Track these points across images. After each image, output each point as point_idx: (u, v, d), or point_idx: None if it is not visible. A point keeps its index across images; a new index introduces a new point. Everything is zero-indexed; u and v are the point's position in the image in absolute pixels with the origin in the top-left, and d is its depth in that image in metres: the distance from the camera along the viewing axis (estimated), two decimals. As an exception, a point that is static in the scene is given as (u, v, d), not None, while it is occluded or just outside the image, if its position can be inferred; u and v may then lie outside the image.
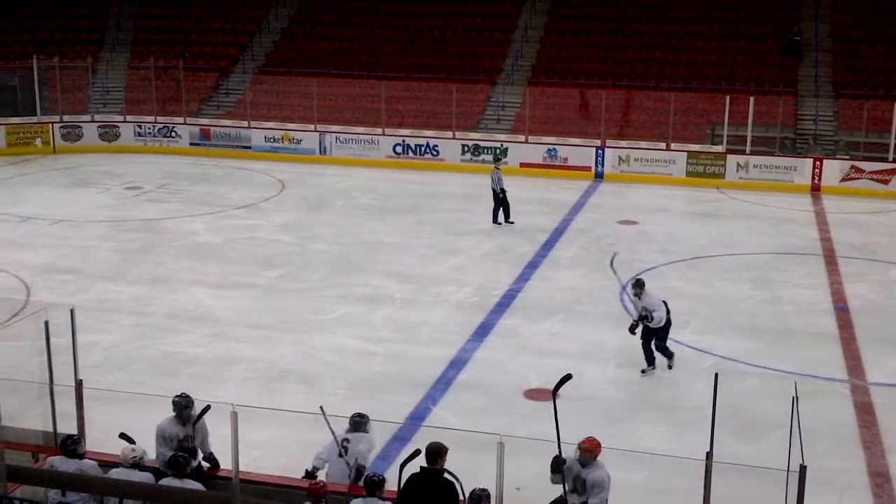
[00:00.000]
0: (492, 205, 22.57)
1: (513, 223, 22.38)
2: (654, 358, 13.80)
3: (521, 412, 12.53)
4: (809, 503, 6.73)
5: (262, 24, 36.37)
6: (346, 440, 9.13)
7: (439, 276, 18.32)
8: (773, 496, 7.28)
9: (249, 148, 30.74)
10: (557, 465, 8.37)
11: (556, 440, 8.25)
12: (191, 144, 31.26)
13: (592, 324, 15.86)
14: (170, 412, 9.18)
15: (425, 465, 8.04)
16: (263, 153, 30.40)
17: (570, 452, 8.43)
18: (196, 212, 23.31)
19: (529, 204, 24.58)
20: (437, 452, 8.04)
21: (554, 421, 8.04)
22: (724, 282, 18.16)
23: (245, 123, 31.13)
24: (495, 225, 22.37)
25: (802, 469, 6.55)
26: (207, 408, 8.98)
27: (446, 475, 8.17)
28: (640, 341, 13.82)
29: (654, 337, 13.77)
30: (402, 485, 7.95)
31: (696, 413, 10.96)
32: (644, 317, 13.64)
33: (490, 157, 28.61)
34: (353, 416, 9.36)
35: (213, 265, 18.89)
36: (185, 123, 31.53)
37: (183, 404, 9.11)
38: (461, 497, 8.03)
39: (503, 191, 22.36)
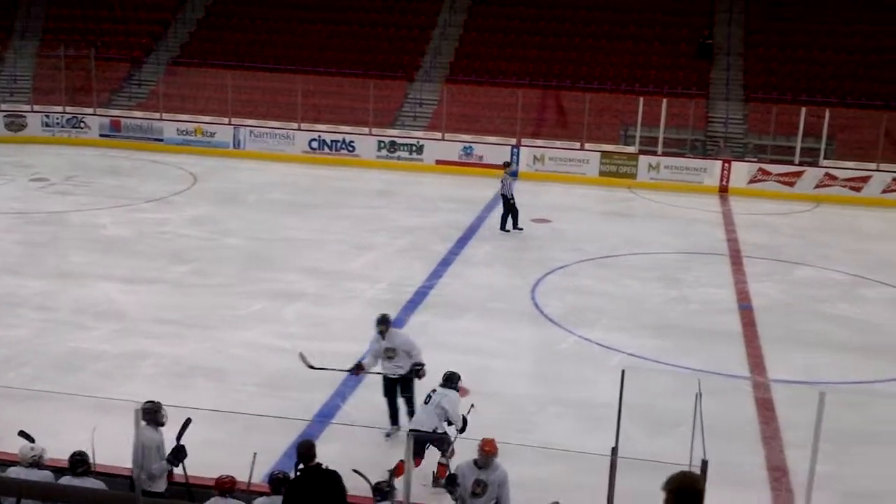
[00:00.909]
0: (500, 211, 21.89)
1: (521, 230, 21.77)
2: (397, 413, 11.71)
3: (432, 409, 12.53)
4: (710, 497, 6.84)
5: (178, 15, 35.82)
6: (434, 391, 10.66)
7: (353, 273, 18.24)
8: (674, 491, 7.39)
9: (161, 140, 30.22)
10: (451, 481, 8.43)
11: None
12: (100, 136, 30.59)
13: (505, 321, 15.96)
14: (72, 409, 8.95)
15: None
16: (176, 146, 29.92)
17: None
18: (105, 205, 22.82)
19: (444, 201, 24.68)
20: (310, 448, 8.04)
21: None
22: (633, 280, 18.45)
23: (157, 115, 30.59)
24: (503, 232, 21.66)
25: (704, 464, 6.68)
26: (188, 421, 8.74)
27: (353, 471, 8.20)
28: (383, 395, 11.82)
29: (401, 386, 11.69)
30: (286, 489, 7.91)
31: (603, 409, 11.10)
32: (390, 357, 11.66)
33: (406, 154, 28.76)
34: (445, 374, 10.96)
35: (122, 259, 18.52)
36: (95, 114, 30.85)
37: (153, 409, 8.83)
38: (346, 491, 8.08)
39: (513, 196, 21.75)
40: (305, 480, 7.81)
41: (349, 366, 11.78)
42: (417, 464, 9.92)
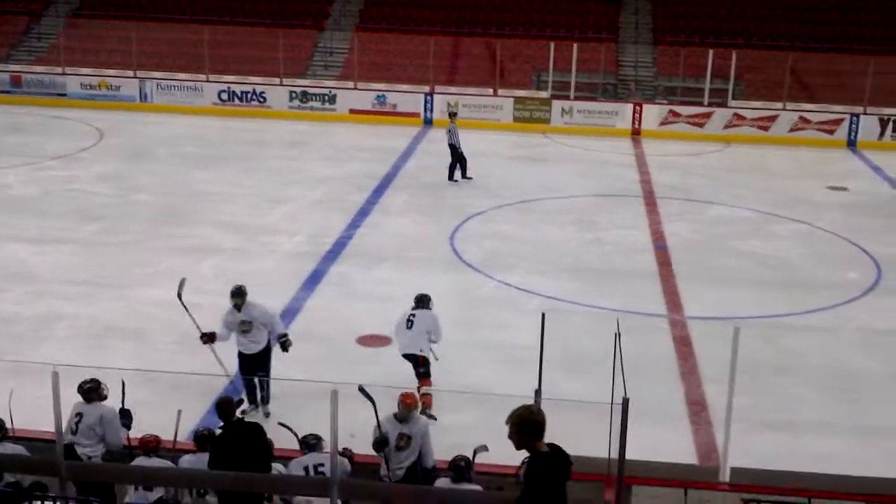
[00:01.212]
0: (448, 160, 21.63)
1: (471, 178, 21.55)
2: (255, 390, 11.08)
3: (355, 358, 12.55)
4: (633, 432, 7.01)
5: (75, -35, 34.58)
6: (413, 315, 11.33)
7: (269, 226, 18.03)
8: (598, 429, 7.53)
9: (65, 95, 29.32)
10: (381, 444, 8.40)
11: (376, 420, 8.34)
12: (0, 92, 29.52)
13: (423, 269, 15.96)
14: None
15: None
16: (80, 101, 29.05)
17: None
18: (9, 163, 22.07)
19: (359, 151, 24.47)
20: (230, 404, 8.04)
21: (371, 404, 8.12)
22: (549, 224, 18.60)
23: (59, 70, 29.63)
24: (451, 182, 21.46)
25: (625, 401, 6.80)
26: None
27: (279, 424, 8.19)
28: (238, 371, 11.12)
29: (259, 363, 11.02)
30: (212, 445, 7.88)
31: (524, 352, 11.19)
32: (245, 331, 11.00)
33: (319, 104, 28.42)
34: (416, 296, 11.63)
35: (29, 219, 18.00)
36: (-8, 70, 29.78)
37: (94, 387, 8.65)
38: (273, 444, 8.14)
39: (460, 145, 21.56)
40: (229, 435, 7.76)
41: (202, 331, 11.06)
42: (427, 383, 11.11)
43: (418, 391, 10.70)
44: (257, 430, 7.84)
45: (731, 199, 20.90)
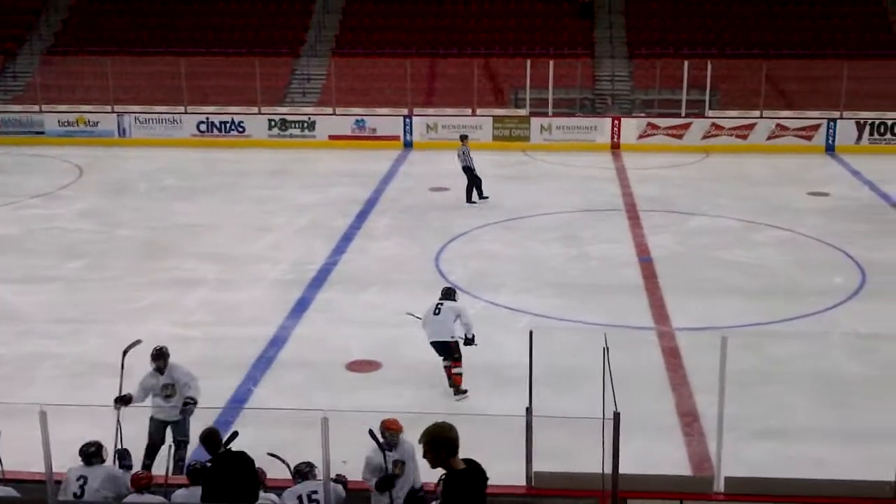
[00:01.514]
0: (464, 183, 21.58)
1: (487, 198, 21.53)
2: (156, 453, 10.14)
3: (344, 385, 12.53)
4: (626, 447, 7.01)
5: (48, 2, 34.53)
6: (441, 304, 12.26)
7: (254, 255, 18.01)
8: (591, 444, 7.53)
9: (42, 133, 29.20)
10: (387, 483, 8.31)
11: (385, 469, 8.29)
12: (-23, 132, 29.46)
13: (409, 291, 15.91)
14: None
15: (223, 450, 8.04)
16: (58, 138, 28.93)
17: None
18: (-11, 204, 22.02)
19: (340, 176, 24.49)
20: (215, 436, 8.06)
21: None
22: (534, 242, 18.65)
23: (36, 108, 29.54)
24: (469, 204, 21.27)
25: (616, 415, 6.80)
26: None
27: (269, 454, 8.18)
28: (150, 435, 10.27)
29: (175, 428, 10.22)
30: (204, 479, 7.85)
31: (513, 370, 11.22)
32: (169, 395, 10.21)
33: (298, 131, 28.52)
34: (443, 289, 12.87)
35: (12, 259, 17.92)
36: (-31, 110, 29.67)
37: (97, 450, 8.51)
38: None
39: (475, 167, 21.70)
40: (219, 466, 7.74)
41: (122, 393, 10.02)
42: (457, 365, 12.11)
43: (449, 372, 12.07)
44: (245, 458, 7.83)
45: (713, 208, 21.00)
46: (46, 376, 12.87)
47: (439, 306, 12.27)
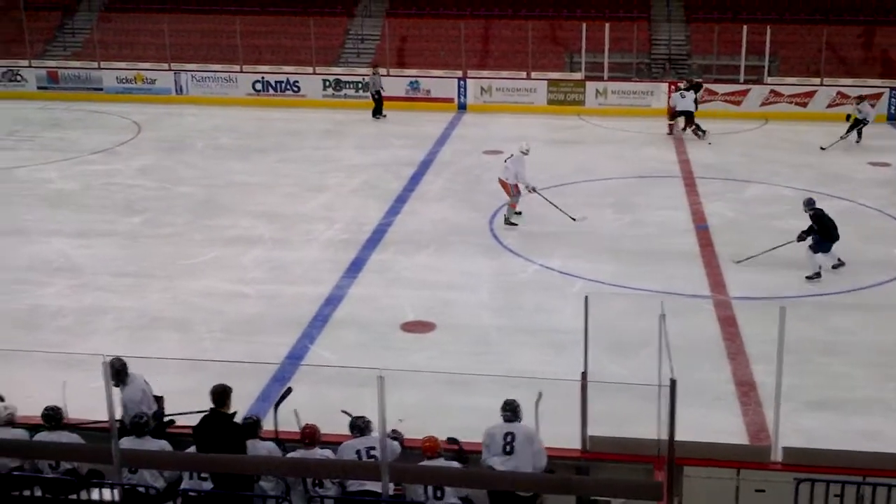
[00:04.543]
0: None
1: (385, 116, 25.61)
2: None
3: (399, 345, 12.61)
4: (682, 414, 6.99)
5: (107, -40, 34.78)
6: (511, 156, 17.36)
7: (308, 215, 18.12)
8: (646, 410, 7.53)
9: (101, 90, 29.55)
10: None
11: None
12: (38, 88, 29.85)
13: (463, 254, 16.00)
14: (37, 366, 8.85)
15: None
16: (116, 95, 29.27)
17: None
18: (49, 159, 22.35)
19: (394, 138, 24.50)
20: (223, 393, 7.99)
21: None
22: (588, 207, 18.48)
23: (95, 64, 29.86)
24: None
25: (672, 383, 6.77)
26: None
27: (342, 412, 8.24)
28: None
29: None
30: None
31: (567, 335, 11.23)
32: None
33: (352, 92, 28.57)
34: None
35: (71, 214, 18.23)
36: (30, 66, 30.05)
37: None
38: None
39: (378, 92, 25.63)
40: (211, 425, 7.87)
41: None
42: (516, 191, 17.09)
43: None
44: (239, 431, 7.90)
45: (771, 176, 20.71)
46: (108, 328, 13.11)
47: (507, 159, 17.27)
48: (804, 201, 15.13)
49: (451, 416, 9.98)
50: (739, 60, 27.65)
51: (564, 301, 13.63)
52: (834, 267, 14.95)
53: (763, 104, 27.00)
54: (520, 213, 17.40)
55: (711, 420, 10.23)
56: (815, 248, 14.72)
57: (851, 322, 13.30)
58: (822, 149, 22.71)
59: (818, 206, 15.08)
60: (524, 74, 28.39)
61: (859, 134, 23.34)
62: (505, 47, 30.14)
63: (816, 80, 27.12)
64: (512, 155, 17.26)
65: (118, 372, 8.62)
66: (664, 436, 7.16)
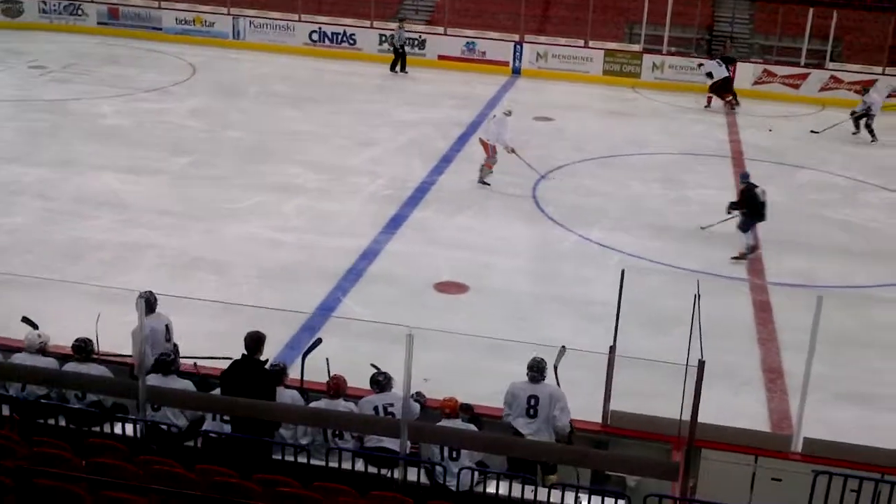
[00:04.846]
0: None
1: (407, 72, 26.28)
2: None
3: (432, 305, 12.67)
4: (707, 397, 6.97)
5: None
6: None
7: (354, 168, 18.17)
8: (671, 389, 7.51)
9: (160, 29, 29.69)
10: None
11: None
12: (98, 24, 30.02)
13: (504, 219, 15.97)
14: (74, 297, 8.99)
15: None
16: (174, 35, 29.40)
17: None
18: (104, 94, 22.57)
19: (446, 97, 24.41)
20: (259, 341, 8.06)
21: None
22: (634, 181, 18.37)
23: (156, 3, 29.98)
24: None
25: (701, 364, 6.74)
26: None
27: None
28: None
29: None
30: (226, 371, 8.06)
31: (602, 307, 11.17)
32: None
33: (408, 48, 28.28)
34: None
35: (122, 149, 18.42)
36: (92, 1, 30.20)
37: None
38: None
39: (402, 46, 26.18)
40: (244, 370, 7.93)
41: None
42: (488, 153, 17.33)
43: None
44: (271, 377, 8.05)
45: (823, 164, 20.37)
46: (148, 265, 13.29)
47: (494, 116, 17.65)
48: (740, 173, 15.23)
49: (478, 380, 10.02)
50: (802, 43, 27.11)
51: (601, 273, 13.52)
52: (741, 254, 14.52)
53: (822, 89, 26.47)
54: (492, 172, 17.42)
55: (735, 404, 10.19)
56: (742, 226, 14.53)
57: (892, 317, 13.09)
58: (812, 132, 22.33)
59: (755, 183, 14.75)
60: (582, 43, 28.04)
61: (869, 129, 22.23)
62: (564, 13, 29.80)
63: (878, 69, 26.53)
64: (495, 116, 17.62)
65: (149, 302, 8.72)
66: (686, 416, 7.15)
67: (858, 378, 11.28)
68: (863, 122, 22.39)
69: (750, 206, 14.50)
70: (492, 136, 17.27)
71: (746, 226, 14.56)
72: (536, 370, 8.27)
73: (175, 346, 8.98)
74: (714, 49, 28.70)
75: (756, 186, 14.63)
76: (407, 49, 27.56)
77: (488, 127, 17.58)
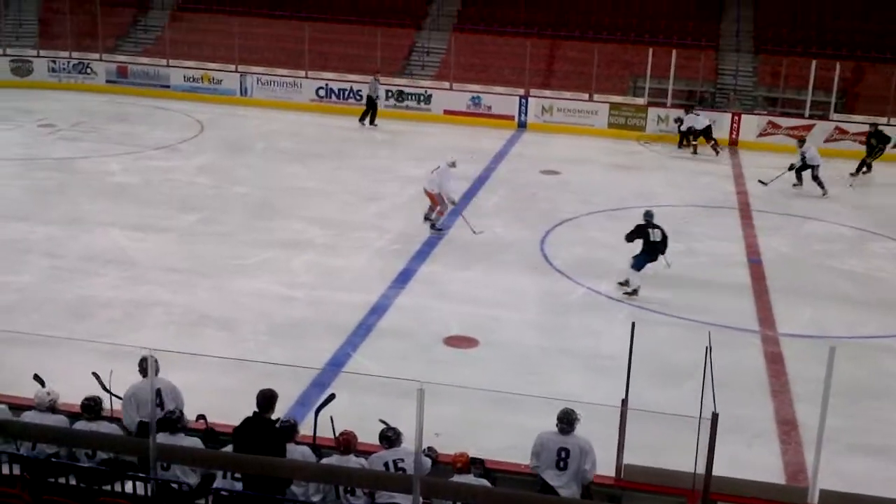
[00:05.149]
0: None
1: (376, 126, 26.70)
2: None
3: (441, 359, 12.62)
4: (721, 449, 6.91)
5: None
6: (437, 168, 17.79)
7: (361, 223, 18.23)
8: (684, 442, 7.45)
9: (168, 87, 30.05)
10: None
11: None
12: (107, 82, 30.42)
13: (513, 272, 15.97)
14: (83, 354, 8.96)
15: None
16: (182, 93, 29.75)
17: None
18: (112, 151, 22.75)
19: (452, 152, 24.41)
20: (271, 399, 8.03)
21: None
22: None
23: (164, 62, 30.38)
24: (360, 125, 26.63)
25: (714, 416, 6.70)
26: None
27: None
28: None
29: None
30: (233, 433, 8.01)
31: (612, 361, 11.16)
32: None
33: (414, 103, 28.65)
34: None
35: (130, 207, 18.51)
36: (101, 60, 30.64)
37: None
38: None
39: (376, 98, 26.79)
40: (254, 429, 7.89)
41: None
42: (435, 202, 17.53)
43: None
44: (281, 435, 8.02)
45: (830, 214, 20.40)
46: (155, 323, 13.28)
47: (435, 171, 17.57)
48: (644, 211, 15.35)
49: (489, 434, 9.96)
50: (806, 95, 27.29)
51: (610, 326, 13.53)
52: (621, 284, 14.99)
53: (827, 140, 26.59)
54: (443, 217, 17.87)
55: (749, 457, 10.08)
56: (635, 265, 14.81)
57: (902, 368, 13.03)
58: (761, 182, 22.12)
59: (656, 221, 15.10)
60: (586, 96, 28.30)
61: (817, 181, 21.64)
62: (569, 68, 30.08)
63: (883, 120, 26.65)
64: (439, 167, 17.70)
65: (141, 365, 8.70)
66: (700, 469, 7.08)
67: (871, 429, 11.19)
68: (807, 174, 21.97)
69: (645, 241, 14.84)
70: (434, 186, 17.52)
71: (640, 263, 14.82)
72: (566, 422, 8.25)
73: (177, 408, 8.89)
74: (719, 101, 28.93)
75: (654, 227, 14.95)
76: (411, 104, 27.83)
77: (431, 177, 17.69)
